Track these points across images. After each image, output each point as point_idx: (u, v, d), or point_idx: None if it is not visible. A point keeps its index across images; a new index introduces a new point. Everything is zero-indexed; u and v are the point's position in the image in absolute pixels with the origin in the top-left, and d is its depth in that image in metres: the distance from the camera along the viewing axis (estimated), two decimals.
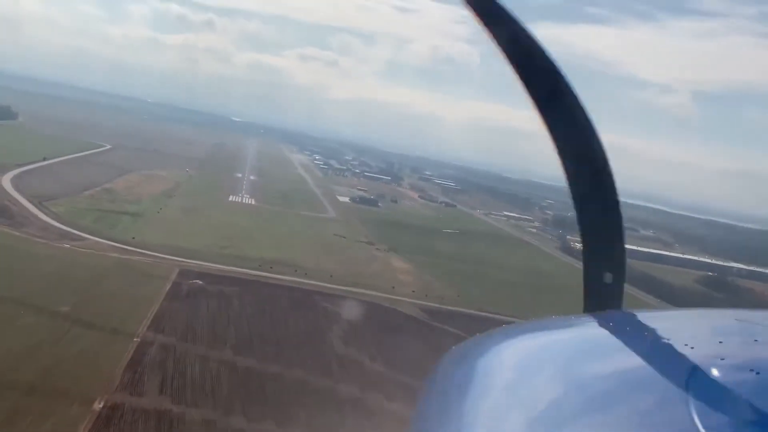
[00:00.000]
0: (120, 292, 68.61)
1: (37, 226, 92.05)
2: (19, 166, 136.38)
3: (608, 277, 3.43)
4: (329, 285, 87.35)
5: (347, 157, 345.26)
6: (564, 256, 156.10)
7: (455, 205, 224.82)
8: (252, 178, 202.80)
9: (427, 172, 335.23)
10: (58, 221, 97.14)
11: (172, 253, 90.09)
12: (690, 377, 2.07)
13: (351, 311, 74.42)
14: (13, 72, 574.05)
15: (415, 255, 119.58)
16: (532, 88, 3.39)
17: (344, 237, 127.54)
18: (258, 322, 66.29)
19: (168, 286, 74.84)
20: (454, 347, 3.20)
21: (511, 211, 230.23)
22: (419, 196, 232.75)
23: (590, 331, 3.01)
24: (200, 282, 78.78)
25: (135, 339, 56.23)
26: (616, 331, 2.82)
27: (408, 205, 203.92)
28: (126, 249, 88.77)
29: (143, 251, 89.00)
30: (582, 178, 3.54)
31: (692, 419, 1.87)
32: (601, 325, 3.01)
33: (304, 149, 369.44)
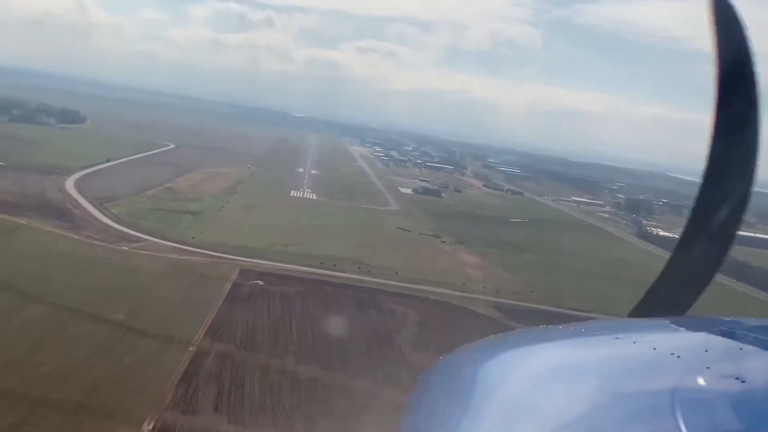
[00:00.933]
0: (177, 295, 65.57)
1: (97, 228, 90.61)
2: (84, 168, 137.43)
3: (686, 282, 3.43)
4: (395, 283, 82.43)
5: (408, 148, 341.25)
6: (641, 243, 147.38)
7: (522, 193, 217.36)
8: (313, 172, 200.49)
9: (490, 160, 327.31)
10: (118, 223, 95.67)
11: (232, 252, 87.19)
12: (676, 385, 2.16)
13: (420, 312, 69.47)
14: (82, 78, 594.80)
15: (484, 247, 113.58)
16: (725, 91, 3.55)
17: (408, 230, 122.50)
18: (322, 326, 61.96)
19: (228, 288, 71.58)
20: (443, 356, 3.27)
21: (580, 197, 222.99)
22: (483, 185, 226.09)
23: (578, 341, 3.06)
24: (261, 282, 75.33)
25: (190, 348, 52.67)
26: (602, 340, 2.95)
27: (472, 195, 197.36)
28: (186, 249, 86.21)
29: (203, 251, 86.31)
30: (726, 174, 3.54)
31: (678, 427, 1.96)
32: (588, 334, 3.08)
33: (365, 141, 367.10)
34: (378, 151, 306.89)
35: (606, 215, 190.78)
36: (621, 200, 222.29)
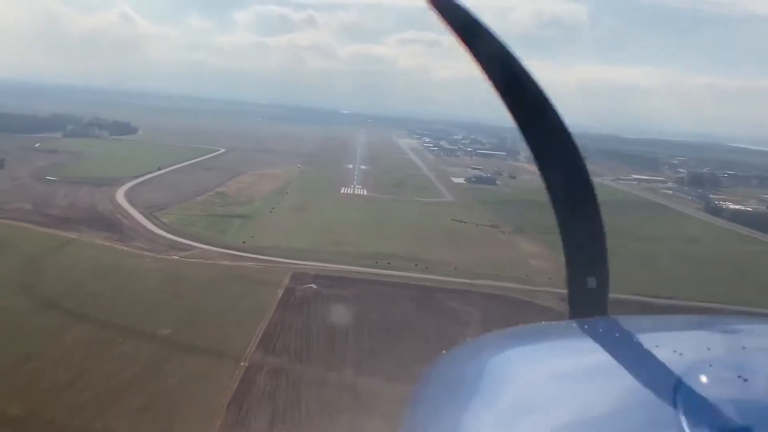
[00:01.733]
0: (227, 305, 62.81)
1: (147, 238, 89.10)
2: (135, 177, 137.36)
3: (592, 282, 3.34)
4: (454, 279, 78.10)
5: (457, 137, 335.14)
6: (711, 218, 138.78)
7: None
8: (363, 167, 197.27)
9: None
10: (168, 231, 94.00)
11: (284, 255, 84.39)
12: (678, 384, 2.16)
13: (483, 310, 65.00)
14: (133, 90, 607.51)
15: (545, 235, 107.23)
16: (515, 107, 3.43)
17: (464, 222, 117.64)
18: (379, 330, 58.23)
19: (280, 294, 68.62)
20: (445, 352, 3.22)
21: (639, 174, 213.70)
22: None
23: (580, 338, 3.06)
24: (314, 286, 72.21)
25: (242, 363, 49.64)
26: (605, 338, 2.95)
27: (528, 180, 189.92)
28: (236, 255, 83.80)
29: (254, 256, 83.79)
30: (563, 189, 3.46)
31: (681, 426, 1.94)
32: (590, 331, 3.08)
33: (413, 133, 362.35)
34: (427, 142, 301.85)
35: (669, 192, 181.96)
36: (684, 175, 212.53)
